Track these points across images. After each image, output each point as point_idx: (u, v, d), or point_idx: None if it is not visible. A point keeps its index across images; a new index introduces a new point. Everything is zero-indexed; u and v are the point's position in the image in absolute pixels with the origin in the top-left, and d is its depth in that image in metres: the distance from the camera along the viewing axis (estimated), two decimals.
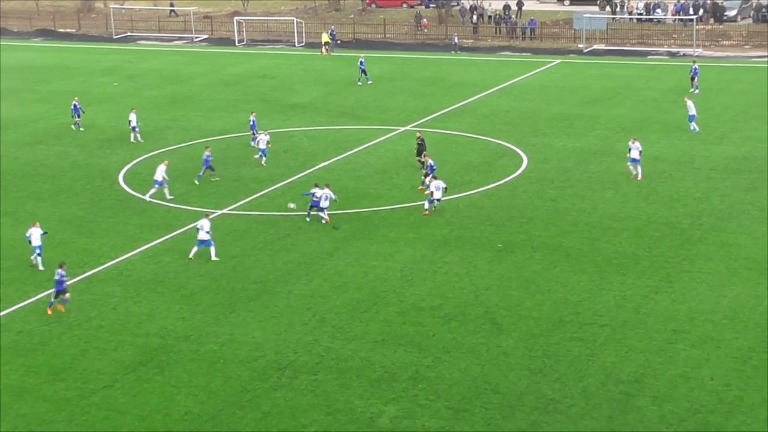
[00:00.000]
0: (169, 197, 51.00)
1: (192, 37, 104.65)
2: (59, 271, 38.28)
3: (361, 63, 78.62)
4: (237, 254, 44.10)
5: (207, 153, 54.12)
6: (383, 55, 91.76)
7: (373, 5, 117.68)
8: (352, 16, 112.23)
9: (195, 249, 43.68)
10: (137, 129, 62.83)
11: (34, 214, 49.72)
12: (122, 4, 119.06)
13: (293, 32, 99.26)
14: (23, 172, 57.08)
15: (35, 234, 42.95)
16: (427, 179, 50.01)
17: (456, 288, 39.98)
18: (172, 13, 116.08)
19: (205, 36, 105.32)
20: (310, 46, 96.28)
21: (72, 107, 66.22)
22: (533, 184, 52.60)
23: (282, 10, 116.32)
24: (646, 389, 31.95)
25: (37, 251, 42.94)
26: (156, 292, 40.52)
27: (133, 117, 62.87)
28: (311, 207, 47.71)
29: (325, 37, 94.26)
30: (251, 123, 60.25)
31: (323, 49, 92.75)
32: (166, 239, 46.21)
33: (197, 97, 76.02)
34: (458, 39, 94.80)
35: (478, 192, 51.50)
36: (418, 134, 56.62)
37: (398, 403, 31.61)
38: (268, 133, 57.77)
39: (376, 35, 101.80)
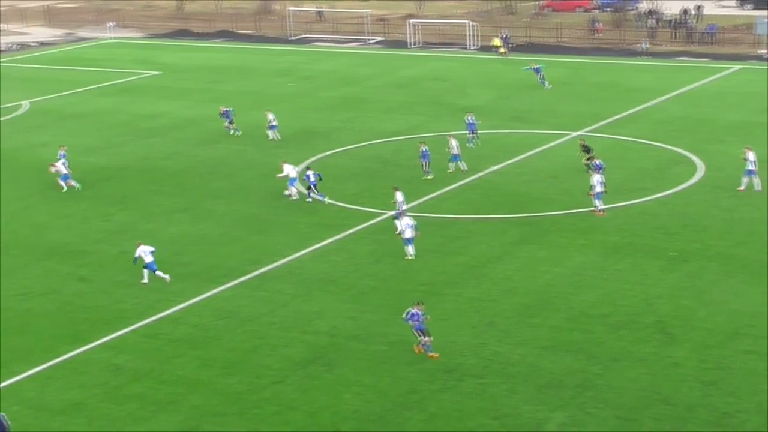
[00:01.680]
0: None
1: (366, 39, 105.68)
2: (414, 311, 35.17)
3: (538, 69, 78.02)
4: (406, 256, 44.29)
5: (424, 148, 54.64)
6: (557, 59, 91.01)
7: (548, 9, 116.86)
8: (526, 19, 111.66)
9: (410, 248, 44.01)
10: (276, 128, 64.39)
11: (211, 211, 51.02)
12: (300, 7, 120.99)
13: (466, 35, 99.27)
14: (201, 170, 58.52)
15: (144, 252, 42.20)
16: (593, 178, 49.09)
17: (627, 296, 39.36)
18: (320, 16, 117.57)
19: (380, 38, 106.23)
20: (483, 49, 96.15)
21: (222, 113, 67.12)
22: (708, 192, 51.42)
23: (456, 13, 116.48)
24: None
25: (152, 267, 42.21)
26: (326, 291, 41.04)
27: (271, 116, 64.48)
28: (309, 188, 50.80)
29: (496, 41, 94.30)
30: (468, 123, 60.67)
31: (501, 49, 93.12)
32: (338, 239, 46.74)
33: (370, 99, 76.71)
34: (646, 43, 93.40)
35: (650, 199, 50.60)
36: (581, 141, 56.12)
37: (566, 410, 31.30)
38: (453, 136, 57.64)
39: (550, 39, 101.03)
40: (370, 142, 63.40)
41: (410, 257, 43.93)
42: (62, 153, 57.28)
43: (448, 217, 49.23)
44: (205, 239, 47.41)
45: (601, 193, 48.36)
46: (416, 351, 35.01)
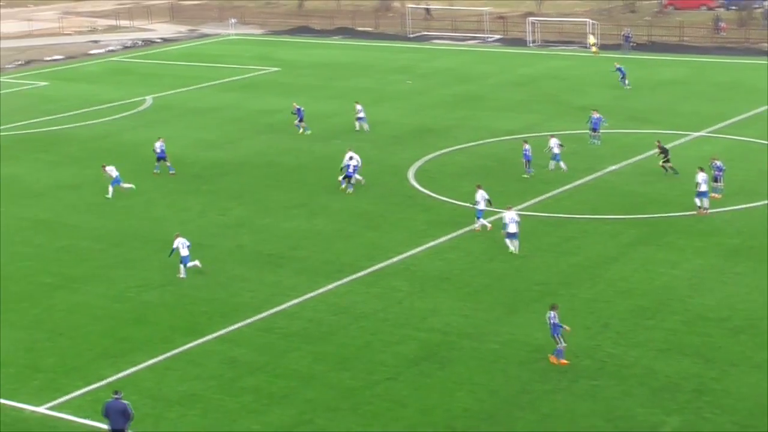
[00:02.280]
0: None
1: (485, 37, 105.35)
2: (552, 313, 34.63)
3: (620, 69, 76.80)
4: (521, 255, 44.08)
5: (526, 146, 54.96)
6: (679, 58, 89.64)
7: (671, 7, 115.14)
8: (647, 17, 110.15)
9: (509, 241, 44.16)
10: (364, 119, 66.50)
11: (327, 207, 51.42)
12: (418, 4, 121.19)
13: (586, 33, 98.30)
14: (318, 166, 58.97)
15: (182, 244, 42.80)
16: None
17: (746, 300, 38.60)
18: (428, 13, 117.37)
19: (498, 36, 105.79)
20: (604, 48, 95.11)
21: (295, 110, 67.55)
22: None
23: (576, 11, 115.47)
24: None
25: (186, 261, 42.75)
26: (440, 289, 41.04)
27: (359, 107, 66.61)
28: (345, 177, 53.24)
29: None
30: (593, 120, 60.84)
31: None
32: (453, 237, 46.70)
33: (487, 97, 76.47)
34: None
35: None
36: (657, 142, 55.60)
37: (681, 415, 30.83)
38: (553, 135, 57.36)
39: (672, 38, 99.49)
40: (486, 141, 63.22)
41: (513, 251, 43.91)
42: (160, 144, 58.48)
43: (564, 216, 48.85)
44: (321, 235, 47.78)
45: (706, 192, 47.60)
46: (552, 360, 34.41)
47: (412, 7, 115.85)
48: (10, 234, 49.30)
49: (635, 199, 50.48)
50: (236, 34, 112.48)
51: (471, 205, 47.85)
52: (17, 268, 44.89)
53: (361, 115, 66.55)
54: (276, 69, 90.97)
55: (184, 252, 42.76)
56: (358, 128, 66.24)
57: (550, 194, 52.20)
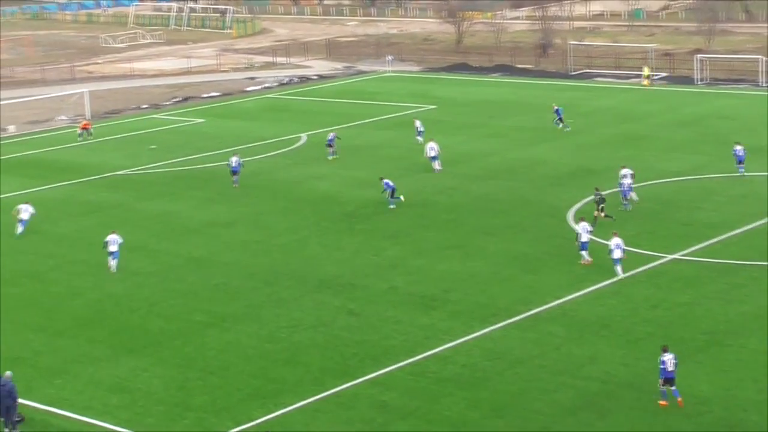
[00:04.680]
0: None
1: (650, 75, 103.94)
2: (667, 357, 34.76)
3: (331, 140, 73.22)
4: (686, 302, 43.16)
5: (624, 169, 56.72)
6: None
7: None
8: None
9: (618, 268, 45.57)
10: (422, 133, 73.68)
11: (483, 248, 51.24)
12: (581, 41, 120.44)
13: (758, 71, 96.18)
14: (475, 206, 58.81)
15: (113, 240, 49.99)
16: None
17: None
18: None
19: (665, 74, 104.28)
20: None
21: (329, 140, 71.97)
22: None
23: (747, 47, 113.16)
24: None
25: (113, 257, 49.77)
26: (600, 336, 40.41)
27: (418, 123, 75.12)
28: (390, 195, 58.25)
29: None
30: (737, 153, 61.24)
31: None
32: (614, 281, 45.97)
33: (651, 137, 75.33)
34: None
35: None
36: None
37: None
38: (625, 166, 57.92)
39: None
40: (650, 182, 62.19)
41: (620, 276, 45.64)
42: (236, 159, 65.08)
43: (732, 262, 47.65)
44: (476, 277, 47.60)
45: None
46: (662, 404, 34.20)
47: (573, 44, 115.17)
48: (165, 271, 50.44)
49: None
50: (393, 71, 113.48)
51: (633, 249, 47.07)
52: (170, 306, 45.86)
53: (421, 129, 74.14)
54: (432, 106, 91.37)
55: (113, 248, 49.88)
56: (420, 141, 72.74)
57: (717, 239, 51.03)
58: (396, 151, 73.85)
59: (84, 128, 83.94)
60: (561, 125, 78.05)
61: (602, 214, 53.48)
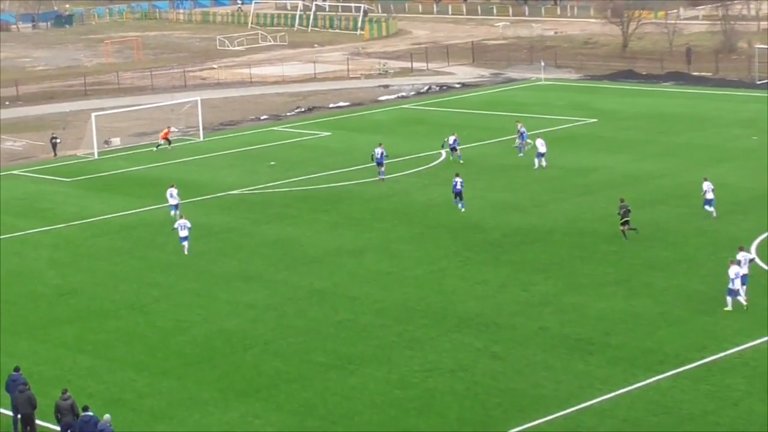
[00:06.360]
0: None
1: None
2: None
3: (454, 142, 76.78)
4: None
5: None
6: None
7: None
8: None
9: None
10: (457, 143, 76.91)
11: (649, 285, 50.77)
12: None
13: None
14: (640, 236, 58.12)
15: (182, 225, 57.02)
16: None
17: None
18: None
19: None
20: None
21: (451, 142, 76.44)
22: None
23: None
24: None
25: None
26: None
27: (452, 139, 76.82)
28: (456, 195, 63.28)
29: None
30: None
31: None
32: None
33: None
34: None
35: None
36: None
37: None
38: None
39: None
40: None
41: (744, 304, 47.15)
42: (380, 150, 71.13)
43: None
44: (641, 318, 47.14)
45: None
46: None
47: (760, 48, 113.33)
48: (283, 304, 50.97)
49: None
50: (547, 79, 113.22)
51: None
52: (288, 344, 46.32)
53: (453, 145, 76.62)
54: (593, 120, 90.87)
55: (183, 233, 56.17)
56: (451, 157, 76.36)
57: None
58: (551, 171, 73.46)
59: (164, 137, 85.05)
60: (522, 152, 77.87)
61: (626, 227, 56.32)
